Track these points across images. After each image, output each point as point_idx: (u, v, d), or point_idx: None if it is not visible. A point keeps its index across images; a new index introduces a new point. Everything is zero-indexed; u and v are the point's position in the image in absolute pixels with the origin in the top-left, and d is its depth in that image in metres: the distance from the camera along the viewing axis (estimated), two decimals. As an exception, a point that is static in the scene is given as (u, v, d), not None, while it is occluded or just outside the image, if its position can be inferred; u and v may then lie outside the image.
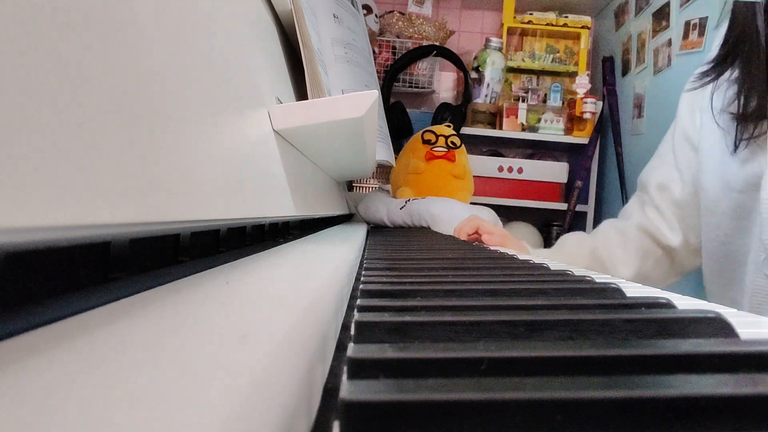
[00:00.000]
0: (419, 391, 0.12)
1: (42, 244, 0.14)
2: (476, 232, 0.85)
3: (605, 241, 0.94)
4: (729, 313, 0.24)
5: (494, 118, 1.95)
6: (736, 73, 0.76)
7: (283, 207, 0.40)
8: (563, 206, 1.95)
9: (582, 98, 1.88)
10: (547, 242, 2.00)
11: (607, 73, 1.98)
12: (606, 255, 0.93)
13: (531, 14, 2.01)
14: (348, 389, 0.13)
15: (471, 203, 1.36)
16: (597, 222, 1.55)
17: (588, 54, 2.06)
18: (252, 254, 0.34)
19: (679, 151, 0.90)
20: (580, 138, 1.93)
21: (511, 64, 2.02)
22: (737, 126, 0.74)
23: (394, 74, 1.92)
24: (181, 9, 0.25)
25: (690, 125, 0.88)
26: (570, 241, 0.97)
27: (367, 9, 1.92)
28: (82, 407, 0.09)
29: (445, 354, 0.15)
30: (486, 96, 1.92)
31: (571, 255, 0.91)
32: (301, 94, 0.72)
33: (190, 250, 0.28)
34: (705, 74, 0.82)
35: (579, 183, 1.93)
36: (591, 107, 1.87)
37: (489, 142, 2.08)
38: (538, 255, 0.81)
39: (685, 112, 0.90)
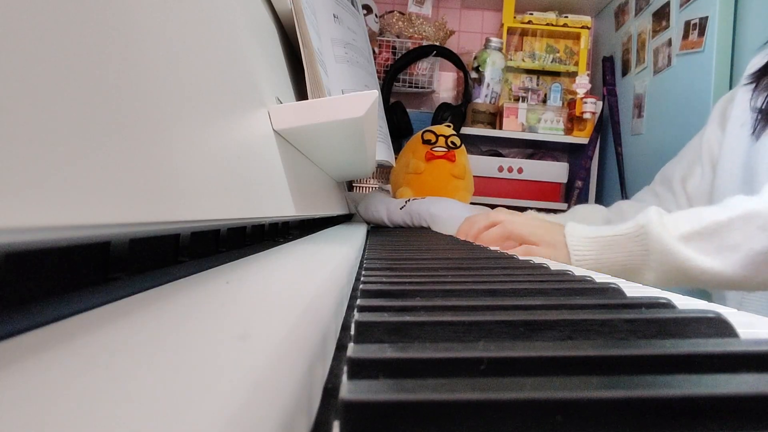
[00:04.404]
0: (419, 391, 0.12)
1: (42, 244, 0.14)
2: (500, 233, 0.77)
3: (617, 209, 0.97)
4: (729, 313, 0.24)
5: (494, 118, 1.95)
6: None
7: (283, 207, 0.40)
8: (563, 206, 1.95)
9: (582, 98, 1.88)
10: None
11: (607, 73, 1.98)
12: (619, 220, 0.94)
13: (531, 14, 2.01)
14: (348, 389, 0.13)
15: (471, 203, 1.36)
16: (597, 222, 1.55)
17: (588, 54, 2.06)
18: (252, 254, 0.34)
19: (706, 145, 0.96)
20: (580, 138, 1.93)
21: (511, 64, 2.02)
22: (758, 116, 0.83)
23: (394, 74, 1.92)
24: (181, 9, 0.25)
25: (719, 126, 0.95)
26: (582, 209, 1.00)
27: (367, 9, 1.92)
28: (83, 407, 0.09)
29: (444, 354, 0.15)
30: (486, 96, 1.92)
31: (586, 220, 0.91)
32: (301, 94, 0.72)
33: (190, 250, 0.28)
34: (756, 74, 0.91)
35: (579, 183, 1.93)
36: (591, 107, 1.87)
37: (489, 142, 2.08)
38: (551, 219, 0.78)
39: (717, 116, 0.97)
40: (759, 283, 0.63)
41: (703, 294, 1.01)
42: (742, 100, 0.90)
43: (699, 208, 0.69)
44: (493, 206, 1.35)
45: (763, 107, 0.85)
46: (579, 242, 0.70)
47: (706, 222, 0.65)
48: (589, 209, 1.01)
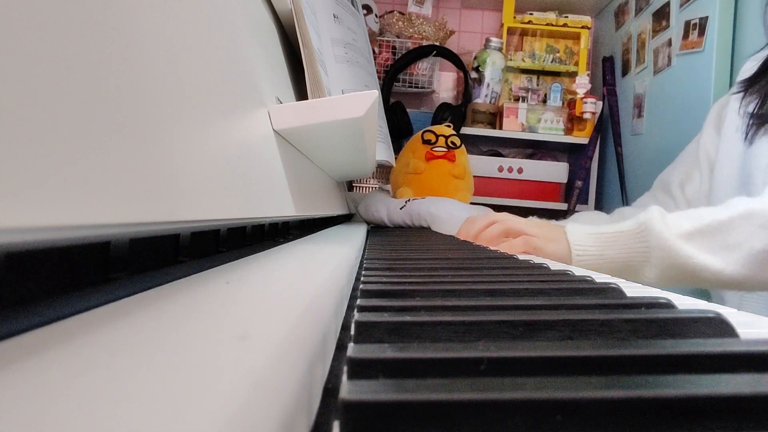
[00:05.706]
0: (419, 391, 0.12)
1: (42, 244, 0.14)
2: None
3: (620, 215, 0.98)
4: (729, 313, 0.24)
5: (494, 118, 1.95)
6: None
7: (283, 207, 0.40)
8: (563, 206, 1.95)
9: (582, 98, 1.88)
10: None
11: (607, 73, 1.98)
12: None
13: (531, 14, 2.01)
14: (348, 389, 0.13)
15: (471, 203, 1.36)
16: (597, 222, 1.55)
17: (588, 54, 2.06)
18: (252, 254, 0.34)
19: (703, 149, 0.97)
20: (580, 138, 1.93)
21: (511, 64, 2.02)
22: (750, 121, 0.85)
23: (394, 74, 1.92)
24: (181, 9, 0.25)
25: (715, 130, 0.96)
26: (584, 214, 1.02)
27: (367, 9, 1.92)
28: (83, 407, 0.09)
29: (444, 354, 0.15)
30: (486, 96, 1.92)
31: (588, 223, 0.91)
32: (301, 94, 0.72)
33: (190, 250, 0.28)
34: (747, 81, 0.92)
35: (579, 183, 1.93)
36: (591, 107, 1.87)
37: (489, 142, 2.08)
38: (555, 224, 0.79)
39: (713, 119, 0.98)
40: (759, 282, 0.64)
41: (703, 294, 1.01)
42: (736, 105, 0.90)
43: (700, 208, 0.70)
44: (493, 206, 1.35)
45: (755, 112, 0.85)
46: (581, 238, 0.70)
47: (708, 220, 0.65)
48: (592, 214, 1.03)
